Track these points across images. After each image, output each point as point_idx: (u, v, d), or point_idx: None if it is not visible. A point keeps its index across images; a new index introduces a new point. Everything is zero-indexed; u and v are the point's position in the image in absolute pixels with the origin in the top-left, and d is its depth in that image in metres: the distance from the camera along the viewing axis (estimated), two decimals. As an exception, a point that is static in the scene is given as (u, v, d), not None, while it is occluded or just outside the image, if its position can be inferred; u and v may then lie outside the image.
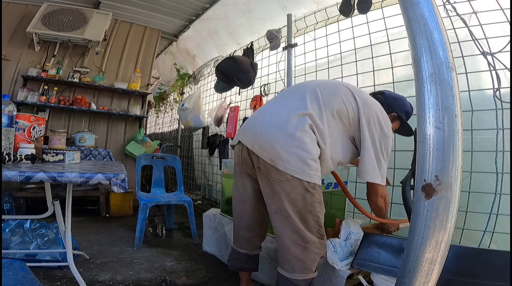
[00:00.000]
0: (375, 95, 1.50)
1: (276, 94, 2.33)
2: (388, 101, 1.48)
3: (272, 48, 2.60)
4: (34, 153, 1.25)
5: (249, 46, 2.81)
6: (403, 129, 1.56)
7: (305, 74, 2.46)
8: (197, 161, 4.19)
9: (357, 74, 2.10)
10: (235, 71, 2.50)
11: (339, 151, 1.28)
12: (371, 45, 2.04)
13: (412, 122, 1.57)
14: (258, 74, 2.69)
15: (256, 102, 2.65)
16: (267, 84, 2.69)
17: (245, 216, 1.41)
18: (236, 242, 1.49)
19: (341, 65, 2.21)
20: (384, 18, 1.96)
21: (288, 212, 1.19)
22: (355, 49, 2.12)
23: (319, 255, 1.25)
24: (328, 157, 1.24)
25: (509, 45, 1.40)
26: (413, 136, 1.49)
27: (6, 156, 1.13)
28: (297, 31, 2.55)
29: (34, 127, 1.41)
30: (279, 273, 1.25)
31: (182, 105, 3.51)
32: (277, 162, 1.16)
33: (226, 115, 3.10)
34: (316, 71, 2.39)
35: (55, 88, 3.41)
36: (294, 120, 1.19)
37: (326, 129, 1.21)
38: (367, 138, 1.24)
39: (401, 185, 1.28)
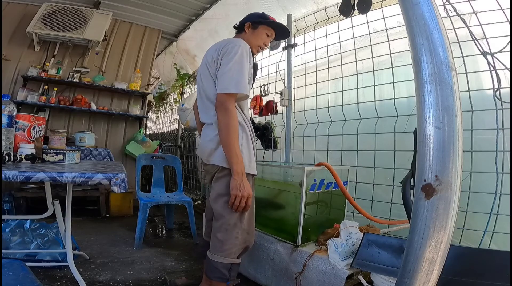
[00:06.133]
0: (235, 27, 1.61)
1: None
2: (241, 20, 1.59)
3: (272, 48, 2.60)
4: (34, 153, 1.25)
5: (249, 46, 2.80)
6: (274, 29, 1.56)
7: (305, 74, 2.46)
8: (199, 161, 4.19)
9: (357, 74, 2.10)
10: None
11: None
12: (371, 45, 2.04)
13: (412, 122, 1.57)
14: (258, 74, 2.69)
15: (256, 102, 2.65)
16: (267, 84, 2.68)
17: (209, 209, 1.51)
18: (204, 232, 1.59)
19: (341, 65, 2.22)
20: (384, 18, 1.97)
21: (218, 197, 1.32)
22: (355, 49, 2.12)
23: (239, 240, 1.31)
24: None
25: (509, 45, 1.40)
26: (413, 136, 1.49)
27: (6, 156, 1.13)
28: (297, 31, 2.55)
29: (34, 127, 1.41)
30: (207, 256, 1.36)
31: (182, 105, 3.51)
32: (209, 159, 1.35)
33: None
34: (316, 71, 2.39)
35: (55, 88, 3.41)
36: (206, 127, 1.41)
37: (210, 111, 1.35)
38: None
39: (401, 185, 1.28)
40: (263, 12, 1.60)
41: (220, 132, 1.26)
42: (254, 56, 1.50)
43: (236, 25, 1.59)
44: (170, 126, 5.24)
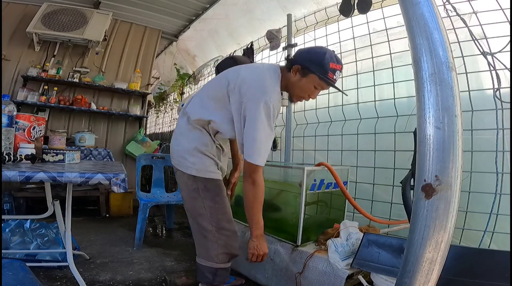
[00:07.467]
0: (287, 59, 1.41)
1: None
2: (295, 54, 1.34)
3: (272, 48, 2.60)
4: (34, 153, 1.25)
5: (249, 46, 2.80)
6: (326, 83, 1.27)
7: (305, 74, 2.46)
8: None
9: (357, 74, 2.10)
10: (235, 71, 2.50)
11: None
12: (371, 45, 2.04)
13: (412, 122, 1.57)
14: (258, 74, 2.69)
15: (256, 102, 2.65)
16: (267, 84, 2.68)
17: None
18: None
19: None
20: (384, 18, 1.97)
21: (185, 203, 1.40)
22: (355, 49, 2.12)
23: (217, 244, 1.34)
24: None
25: (509, 45, 1.40)
26: (413, 136, 1.49)
27: (6, 156, 1.13)
28: (297, 31, 2.55)
29: (34, 127, 1.41)
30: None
31: (182, 105, 3.51)
32: (173, 162, 1.41)
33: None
34: (316, 71, 2.38)
35: (55, 88, 3.41)
36: (183, 132, 1.42)
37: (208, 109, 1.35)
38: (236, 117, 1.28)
39: (401, 185, 1.28)
40: (326, 55, 1.24)
41: (246, 202, 1.30)
42: (293, 103, 1.38)
43: (287, 58, 1.41)
44: (170, 126, 5.23)
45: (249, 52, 2.77)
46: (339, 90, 1.33)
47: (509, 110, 1.40)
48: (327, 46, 2.33)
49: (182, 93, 4.53)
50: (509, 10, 1.47)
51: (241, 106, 1.24)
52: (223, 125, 1.33)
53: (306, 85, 1.29)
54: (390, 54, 1.91)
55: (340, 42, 2.23)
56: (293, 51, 2.50)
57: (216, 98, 1.33)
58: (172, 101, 5.02)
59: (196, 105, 1.39)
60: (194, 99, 1.43)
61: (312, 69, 1.24)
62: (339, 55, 2.19)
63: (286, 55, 2.52)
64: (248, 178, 1.27)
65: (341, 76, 1.28)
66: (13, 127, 1.32)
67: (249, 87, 1.24)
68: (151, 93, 4.84)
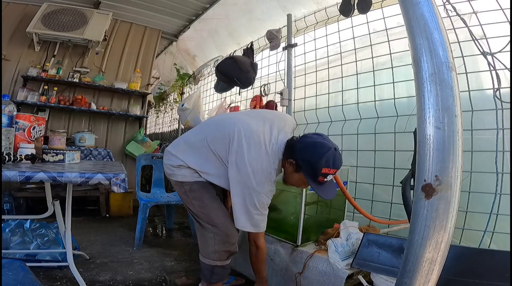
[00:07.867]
0: (292, 138, 1.35)
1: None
2: (296, 145, 1.29)
3: (272, 48, 2.60)
4: (34, 153, 1.25)
5: (249, 46, 2.80)
6: (313, 187, 1.27)
7: (305, 74, 2.46)
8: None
9: (357, 74, 2.10)
10: (235, 71, 2.50)
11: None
12: (371, 45, 2.04)
13: (412, 122, 1.57)
14: (258, 74, 2.69)
15: (256, 102, 2.65)
16: (267, 84, 2.68)
17: None
18: None
19: (341, 65, 2.21)
20: (384, 18, 1.96)
21: (184, 204, 1.53)
22: (355, 49, 2.12)
23: (214, 241, 1.39)
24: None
25: (509, 45, 1.40)
26: (413, 136, 1.49)
27: (6, 156, 1.13)
28: (297, 31, 2.55)
29: (34, 127, 1.41)
30: None
31: (182, 105, 3.50)
32: (165, 172, 1.54)
33: (226, 115, 3.09)
34: (316, 71, 2.39)
35: (55, 88, 3.41)
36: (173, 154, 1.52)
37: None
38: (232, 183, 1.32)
39: (401, 185, 1.28)
40: (322, 159, 1.21)
41: (251, 259, 1.45)
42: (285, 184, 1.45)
43: (290, 141, 1.33)
44: (170, 126, 5.23)
45: (249, 52, 2.76)
46: (320, 196, 1.33)
47: (509, 110, 1.40)
48: (327, 46, 2.33)
49: (182, 93, 4.53)
50: (509, 10, 1.47)
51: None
52: (220, 179, 1.39)
53: (296, 179, 1.35)
54: (390, 54, 1.91)
55: (340, 42, 2.23)
56: (294, 51, 2.50)
57: (219, 156, 1.37)
58: (172, 101, 5.02)
59: (194, 152, 1.42)
60: (194, 137, 1.48)
61: (303, 169, 1.27)
62: (338, 55, 2.21)
63: (286, 55, 2.52)
64: (252, 242, 1.40)
65: (332, 178, 1.30)
66: (13, 127, 1.32)
67: (246, 170, 1.27)
68: (151, 93, 4.84)
